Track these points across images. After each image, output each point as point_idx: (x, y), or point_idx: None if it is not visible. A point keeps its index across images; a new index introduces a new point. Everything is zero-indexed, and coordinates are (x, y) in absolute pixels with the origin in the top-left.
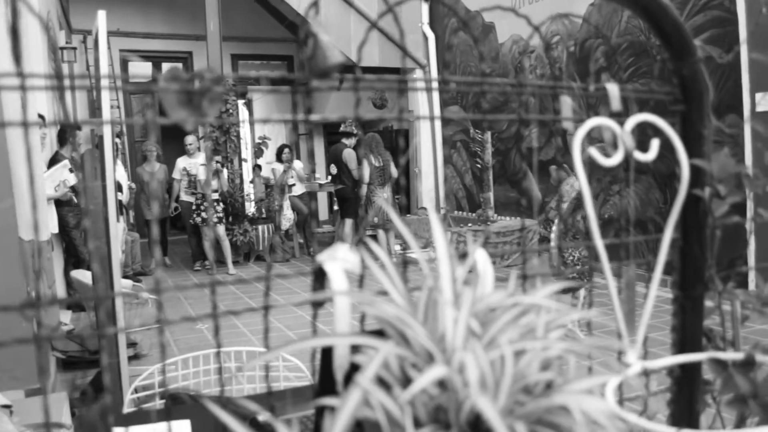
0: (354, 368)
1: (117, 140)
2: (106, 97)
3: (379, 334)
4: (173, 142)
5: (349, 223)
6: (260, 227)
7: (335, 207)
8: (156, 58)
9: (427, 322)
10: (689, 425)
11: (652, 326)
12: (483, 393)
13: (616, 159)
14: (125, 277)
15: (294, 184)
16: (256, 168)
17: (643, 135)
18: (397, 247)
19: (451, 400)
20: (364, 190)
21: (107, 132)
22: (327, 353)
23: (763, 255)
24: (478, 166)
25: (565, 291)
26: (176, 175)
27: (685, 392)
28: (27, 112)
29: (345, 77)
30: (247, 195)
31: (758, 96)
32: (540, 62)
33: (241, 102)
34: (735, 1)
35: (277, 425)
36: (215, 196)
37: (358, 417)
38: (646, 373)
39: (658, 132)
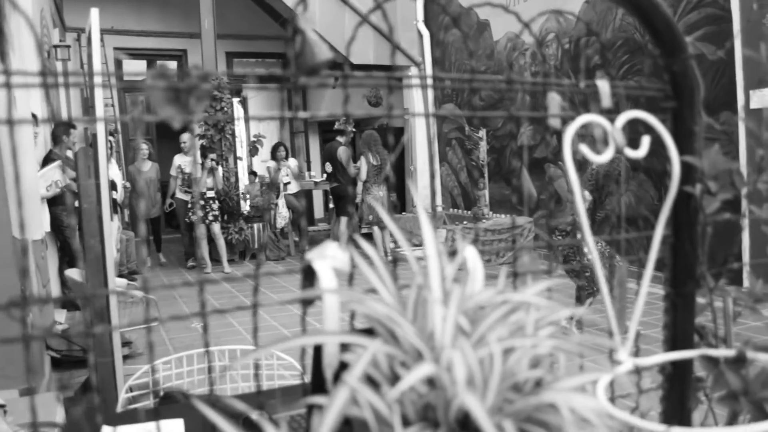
0: (344, 366)
1: (111, 138)
2: (99, 95)
3: (369, 332)
4: (169, 140)
5: (344, 221)
6: (255, 225)
7: (330, 205)
8: (150, 56)
9: (416, 320)
10: (681, 422)
11: (644, 323)
12: (471, 391)
13: (606, 156)
14: (120, 275)
15: (289, 182)
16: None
17: (635, 132)
18: (393, 245)
19: (439, 398)
20: (359, 187)
21: (101, 130)
22: (319, 351)
23: (757, 252)
24: (473, 163)
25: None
26: (173, 172)
27: (677, 389)
28: (11, 109)
29: (339, 75)
30: (243, 193)
31: (752, 93)
32: (534, 60)
33: (236, 100)
34: None
35: (264, 424)
36: (210, 194)
37: (347, 415)
38: (637, 371)
39: (649, 129)
